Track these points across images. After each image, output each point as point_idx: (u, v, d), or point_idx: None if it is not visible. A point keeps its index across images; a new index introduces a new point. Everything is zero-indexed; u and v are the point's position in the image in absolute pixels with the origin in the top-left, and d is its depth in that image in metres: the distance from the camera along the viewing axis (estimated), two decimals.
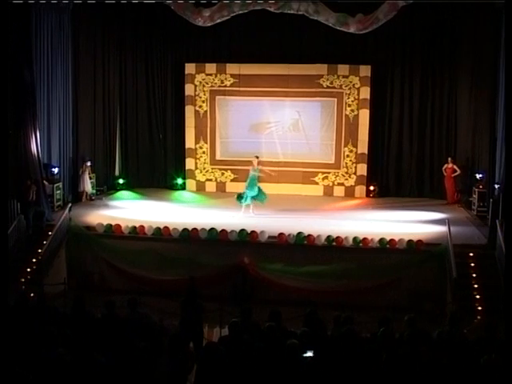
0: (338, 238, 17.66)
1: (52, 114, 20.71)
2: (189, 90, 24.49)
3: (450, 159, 22.55)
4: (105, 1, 20.47)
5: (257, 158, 21.17)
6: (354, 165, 23.87)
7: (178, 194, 24.36)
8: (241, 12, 20.03)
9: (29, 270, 17.39)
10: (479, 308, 15.68)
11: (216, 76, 24.34)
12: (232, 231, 18.10)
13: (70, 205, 19.93)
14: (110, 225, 18.70)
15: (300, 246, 17.81)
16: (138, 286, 17.16)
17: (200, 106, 24.54)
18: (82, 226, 19.09)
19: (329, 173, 24.08)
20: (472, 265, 16.83)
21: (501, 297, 15.63)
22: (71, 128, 21.62)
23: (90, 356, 7.85)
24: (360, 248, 17.57)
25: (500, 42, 19.25)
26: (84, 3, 20.65)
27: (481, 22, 20.90)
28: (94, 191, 22.96)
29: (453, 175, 22.41)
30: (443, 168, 22.71)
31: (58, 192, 20.91)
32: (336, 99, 23.73)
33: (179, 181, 24.85)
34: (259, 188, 20.60)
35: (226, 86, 24.31)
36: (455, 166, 22.39)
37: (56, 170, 20.77)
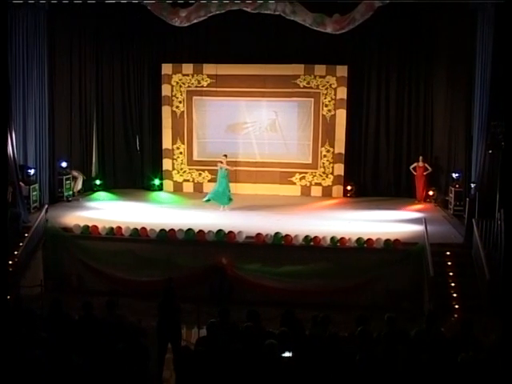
0: (315, 237, 17.67)
1: (28, 115, 20.56)
2: (165, 90, 24.43)
3: (421, 158, 22.71)
4: (81, 1, 20.37)
5: (225, 156, 21.32)
6: (331, 165, 23.92)
7: (155, 194, 24.27)
8: (218, 12, 20.01)
9: None
10: (456, 306, 15.76)
11: (193, 76, 24.29)
12: (209, 232, 18.06)
13: (46, 206, 19.79)
14: (87, 226, 18.58)
15: (278, 246, 17.79)
16: (115, 288, 17.04)
17: (177, 107, 24.49)
18: (59, 227, 18.95)
19: (306, 173, 24.11)
20: (449, 263, 16.90)
21: (478, 295, 15.86)
22: (47, 129, 21.45)
23: (68, 358, 7.81)
24: (338, 248, 17.58)
25: (475, 41, 19.42)
26: (60, 3, 20.51)
27: (456, 23, 21.05)
28: (71, 193, 22.83)
29: (424, 173, 22.58)
30: (412, 166, 22.88)
31: (35, 193, 20.75)
32: (313, 99, 23.76)
33: (156, 181, 24.77)
34: (226, 188, 20.80)
35: (202, 87, 24.27)
36: (426, 165, 22.57)
37: (32, 172, 20.62)
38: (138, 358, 8.49)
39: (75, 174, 23.19)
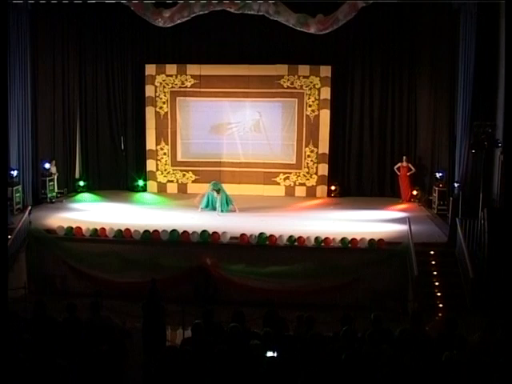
0: (299, 238, 17.71)
1: (10, 116, 20.40)
2: (149, 91, 24.35)
3: (404, 158, 22.77)
4: (63, 1, 20.29)
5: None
6: (315, 165, 23.94)
7: (139, 195, 24.19)
8: (201, 13, 20.02)
9: None
10: (440, 305, 15.86)
11: (176, 77, 24.22)
12: (194, 232, 18.05)
13: (29, 208, 19.70)
14: (71, 227, 18.52)
15: (262, 247, 17.83)
16: (99, 289, 16.99)
17: (160, 108, 24.41)
18: (43, 229, 18.88)
19: (290, 173, 24.11)
20: (433, 263, 17.00)
21: (461, 293, 15.94)
22: (30, 130, 21.35)
23: (52, 361, 7.77)
24: (322, 248, 17.63)
25: (458, 41, 19.55)
26: (43, 3, 20.42)
27: (439, 23, 21.21)
28: (55, 194, 22.71)
29: (408, 173, 22.66)
30: (396, 167, 22.95)
31: (18, 195, 20.62)
32: (297, 99, 23.77)
33: (140, 182, 24.68)
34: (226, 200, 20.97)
35: (186, 87, 24.21)
36: (410, 165, 22.64)
37: (15, 173, 20.50)
38: (122, 359, 8.47)
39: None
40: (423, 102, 22.90)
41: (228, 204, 21.09)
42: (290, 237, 17.77)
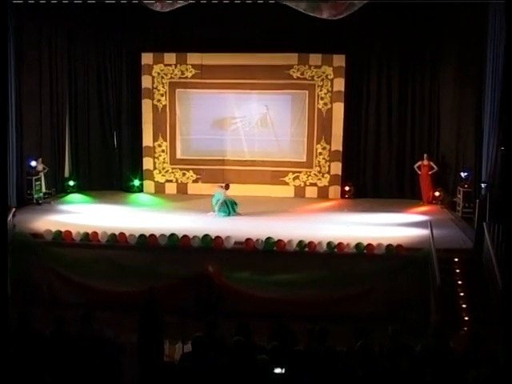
0: (310, 243, 17.66)
1: None
2: (146, 82, 24.38)
3: (425, 155, 22.76)
4: None
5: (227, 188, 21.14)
6: (328, 163, 23.94)
7: (134, 196, 24.24)
8: None
9: None
10: (466, 318, 15.77)
11: (176, 67, 24.26)
12: (194, 237, 18.02)
13: (13, 210, 19.69)
14: (60, 231, 18.50)
15: (269, 253, 17.77)
16: (91, 299, 17.00)
17: (158, 100, 24.45)
18: (28, 233, 18.87)
19: (300, 172, 24.13)
20: (457, 271, 16.92)
21: (489, 305, 15.86)
22: (15, 125, 21.36)
23: (38, 379, 7.76)
24: (335, 254, 17.58)
25: (486, 32, 19.43)
26: None
27: (466, 12, 20.99)
28: (42, 194, 22.73)
29: (429, 173, 22.61)
30: (416, 165, 22.92)
31: None
32: (307, 92, 23.78)
33: (136, 182, 24.73)
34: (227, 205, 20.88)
35: (186, 78, 24.24)
36: (432, 163, 22.62)
37: None
38: (115, 377, 8.45)
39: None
40: (446, 93, 22.85)
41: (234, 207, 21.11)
42: (300, 242, 17.72)
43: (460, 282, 16.66)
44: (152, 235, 18.16)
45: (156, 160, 24.72)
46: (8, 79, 19.12)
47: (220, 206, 20.93)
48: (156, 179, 24.79)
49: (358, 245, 17.50)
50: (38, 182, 22.50)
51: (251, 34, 23.53)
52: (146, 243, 18.12)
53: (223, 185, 21.22)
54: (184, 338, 13.85)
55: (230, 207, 20.92)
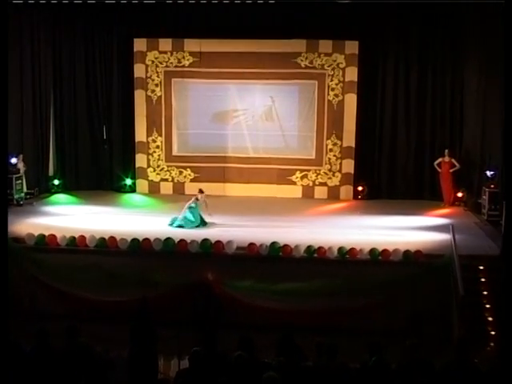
0: (320, 248, 17.65)
1: None
2: (138, 71, 24.42)
3: (446, 151, 22.72)
4: None
5: (202, 192, 20.40)
6: (339, 161, 23.98)
7: (126, 197, 24.31)
8: None
9: None
10: (492, 332, 15.71)
11: (172, 54, 24.30)
12: (193, 242, 18.02)
13: None
14: (43, 235, 18.50)
15: (274, 259, 17.78)
16: (77, 310, 17.00)
17: (152, 91, 24.49)
18: (8, 237, 18.88)
19: (308, 171, 24.16)
20: (482, 280, 16.87)
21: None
22: None
23: None
24: (347, 260, 17.57)
25: None
26: None
27: None
28: (23, 194, 22.74)
29: (451, 170, 22.58)
30: (436, 162, 22.89)
31: None
32: (317, 82, 23.82)
33: (128, 181, 24.80)
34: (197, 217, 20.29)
35: (184, 67, 24.28)
36: (453, 160, 22.58)
37: None
38: None
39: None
40: (470, 84, 22.83)
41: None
42: (309, 247, 17.70)
43: (485, 293, 16.58)
44: (146, 239, 18.14)
45: (150, 157, 24.74)
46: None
47: (189, 211, 20.12)
48: (150, 178, 24.83)
49: (372, 250, 17.47)
50: (19, 181, 22.51)
51: (255, 18, 23.43)
52: (139, 248, 18.12)
53: (197, 195, 20.40)
54: (180, 353, 13.87)
55: (199, 218, 20.37)
